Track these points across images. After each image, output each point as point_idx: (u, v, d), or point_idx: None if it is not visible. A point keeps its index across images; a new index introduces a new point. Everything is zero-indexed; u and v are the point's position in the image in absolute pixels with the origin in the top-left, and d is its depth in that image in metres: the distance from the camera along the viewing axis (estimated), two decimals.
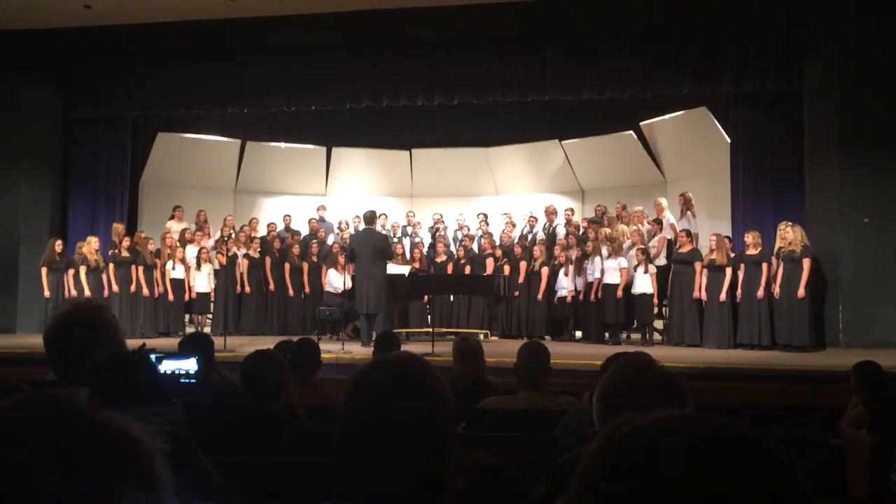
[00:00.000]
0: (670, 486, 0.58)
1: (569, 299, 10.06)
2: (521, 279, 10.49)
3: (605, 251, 9.75)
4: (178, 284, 10.47)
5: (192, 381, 2.70)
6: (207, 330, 10.22)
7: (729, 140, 10.47)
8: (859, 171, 9.15)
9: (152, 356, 1.93)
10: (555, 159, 13.02)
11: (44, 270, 10.22)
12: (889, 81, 9.02)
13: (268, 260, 10.93)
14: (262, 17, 10.35)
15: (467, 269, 10.77)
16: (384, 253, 9.13)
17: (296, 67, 10.97)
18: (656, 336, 9.70)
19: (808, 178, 9.63)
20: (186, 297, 10.59)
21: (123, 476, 0.64)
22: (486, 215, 12.17)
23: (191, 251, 10.81)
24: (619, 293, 9.47)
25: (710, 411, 0.67)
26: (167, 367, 2.85)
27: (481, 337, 9.61)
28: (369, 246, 8.97)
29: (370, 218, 9.29)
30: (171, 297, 10.39)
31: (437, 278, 10.47)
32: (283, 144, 13.42)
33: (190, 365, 2.73)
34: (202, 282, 10.62)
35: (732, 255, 9.26)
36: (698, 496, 0.58)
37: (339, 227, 12.17)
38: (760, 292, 8.76)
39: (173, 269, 10.45)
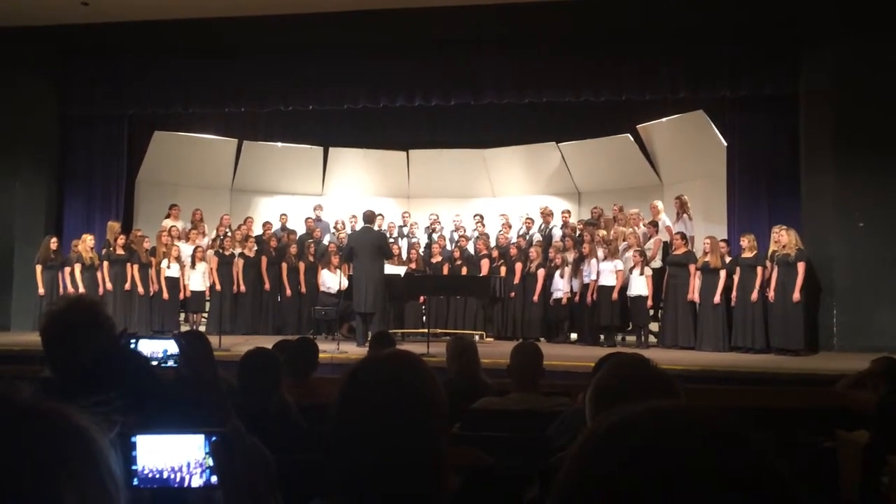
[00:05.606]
0: (655, 478, 0.58)
1: (564, 301, 10.06)
2: (516, 280, 10.48)
3: (601, 253, 9.75)
4: (174, 283, 10.44)
5: (174, 363, 2.68)
6: (202, 328, 10.20)
7: (725, 143, 10.49)
8: (854, 175, 9.16)
9: (132, 340, 1.96)
10: (551, 161, 13.02)
11: (39, 268, 10.19)
12: (884, 86, 9.05)
13: (264, 259, 10.91)
14: (260, 16, 10.36)
15: (463, 271, 10.76)
16: (383, 251, 9.09)
17: (293, 67, 10.93)
18: (651, 339, 9.70)
19: (803, 182, 9.66)
20: (181, 295, 10.56)
21: (68, 466, 0.63)
22: (482, 216, 12.17)
23: (186, 249, 10.79)
24: (615, 295, 9.48)
25: None
26: (147, 349, 2.85)
27: (477, 338, 9.61)
28: (368, 245, 8.92)
29: (369, 217, 9.22)
30: (165, 295, 10.35)
31: (432, 279, 10.45)
32: (279, 144, 13.40)
33: (170, 346, 2.71)
34: (197, 280, 10.60)
35: (728, 258, 9.27)
36: (682, 489, 0.57)
37: (335, 227, 12.15)
38: (755, 295, 8.78)
39: (168, 267, 10.43)
